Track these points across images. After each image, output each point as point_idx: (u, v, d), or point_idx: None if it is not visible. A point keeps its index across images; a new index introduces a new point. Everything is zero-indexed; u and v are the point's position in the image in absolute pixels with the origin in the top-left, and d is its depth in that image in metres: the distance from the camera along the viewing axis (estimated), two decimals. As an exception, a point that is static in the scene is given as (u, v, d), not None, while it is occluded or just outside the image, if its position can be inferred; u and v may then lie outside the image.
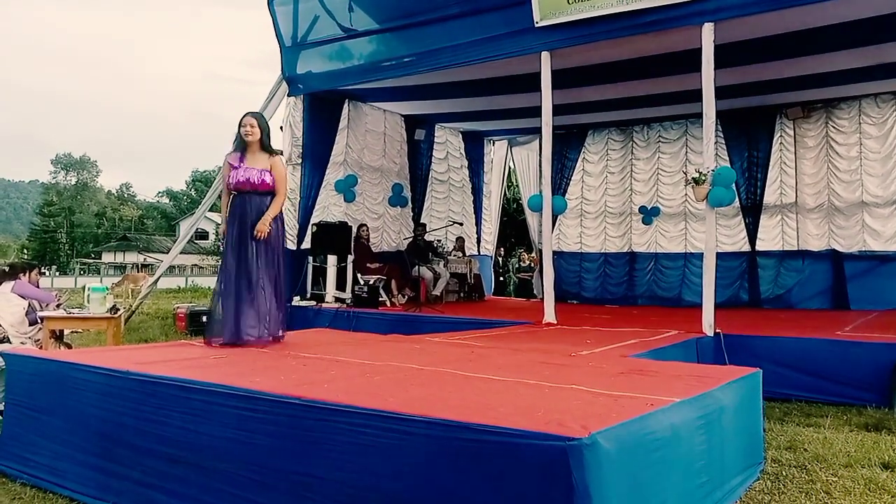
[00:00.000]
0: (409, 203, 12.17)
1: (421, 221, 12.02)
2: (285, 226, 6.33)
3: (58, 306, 6.92)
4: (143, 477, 3.33)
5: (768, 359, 5.85)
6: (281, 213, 5.24)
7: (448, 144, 13.10)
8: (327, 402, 2.82)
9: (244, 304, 4.98)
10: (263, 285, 5.04)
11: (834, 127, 10.69)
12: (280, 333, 5.27)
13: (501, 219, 14.99)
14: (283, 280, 5.31)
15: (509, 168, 14.71)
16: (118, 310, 7.32)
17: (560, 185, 12.75)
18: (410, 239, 11.28)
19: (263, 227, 5.02)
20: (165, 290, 23.48)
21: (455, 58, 8.45)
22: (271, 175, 5.11)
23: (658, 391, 3.21)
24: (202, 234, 54.44)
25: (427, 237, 11.50)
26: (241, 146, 5.16)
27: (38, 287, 6.99)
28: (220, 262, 5.55)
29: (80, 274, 41.58)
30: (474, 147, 13.64)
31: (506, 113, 11.53)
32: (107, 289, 7.33)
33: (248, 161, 5.10)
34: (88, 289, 7.23)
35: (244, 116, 5.22)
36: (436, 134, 12.73)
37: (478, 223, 13.76)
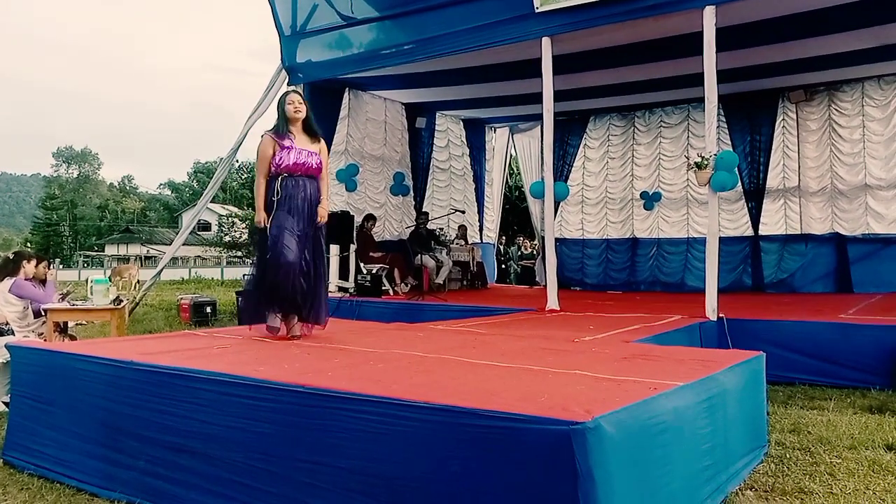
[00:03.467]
0: (411, 192, 12.16)
1: (423, 210, 12.01)
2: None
3: (62, 298, 6.92)
4: (148, 466, 3.35)
5: (772, 342, 5.85)
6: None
7: (449, 132, 13.06)
8: (331, 390, 2.83)
9: (309, 289, 4.71)
10: (320, 272, 4.82)
11: (837, 110, 10.64)
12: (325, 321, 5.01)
13: (503, 206, 14.97)
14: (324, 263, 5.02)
15: (511, 155, 14.67)
16: (122, 301, 7.34)
17: (562, 171, 12.72)
18: (413, 227, 11.27)
19: (325, 211, 4.84)
20: (169, 282, 23.56)
21: (455, 45, 8.41)
22: (320, 158, 4.82)
23: (661, 375, 3.22)
24: (204, 226, 54.44)
25: (429, 225, 11.49)
26: (286, 125, 4.76)
27: (46, 281, 6.98)
28: (257, 250, 5.22)
29: (83, 267, 41.65)
30: (475, 135, 13.60)
31: (507, 100, 11.49)
32: (109, 280, 7.34)
33: (296, 141, 4.74)
34: (91, 281, 7.24)
35: (289, 93, 4.87)
36: (437, 122, 12.69)
37: (480, 211, 13.74)
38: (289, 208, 4.66)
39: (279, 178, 4.67)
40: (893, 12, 7.51)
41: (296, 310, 4.75)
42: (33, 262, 6.63)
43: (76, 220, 70.21)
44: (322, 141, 4.91)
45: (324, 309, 4.86)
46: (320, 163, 4.80)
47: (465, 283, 11.85)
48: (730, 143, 11.15)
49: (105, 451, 3.57)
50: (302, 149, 4.72)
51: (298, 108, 4.74)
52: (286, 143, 4.70)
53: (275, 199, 4.67)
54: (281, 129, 4.74)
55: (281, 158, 4.67)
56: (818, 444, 4.05)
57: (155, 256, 48.80)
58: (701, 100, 6.80)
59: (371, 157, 11.33)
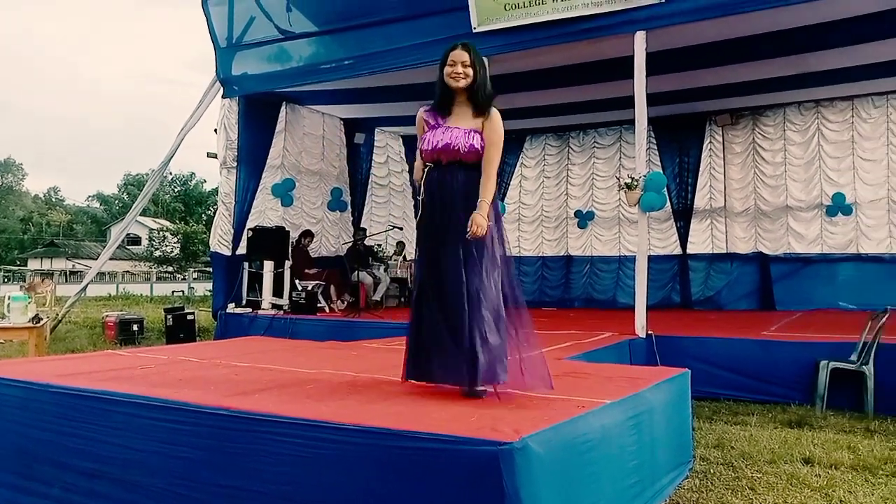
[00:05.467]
0: (349, 207, 12.07)
1: (361, 226, 11.93)
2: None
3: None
4: (63, 494, 3.19)
5: (698, 359, 6.04)
6: (494, 198, 3.39)
7: (388, 148, 13.06)
8: (256, 413, 2.76)
9: (432, 334, 3.39)
10: (469, 303, 3.24)
11: (760, 133, 11.11)
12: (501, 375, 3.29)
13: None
14: (495, 296, 3.32)
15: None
16: (41, 319, 7.02)
17: (499, 189, 12.82)
18: (350, 244, 11.18)
19: (481, 220, 3.23)
20: (95, 298, 22.65)
21: (393, 62, 8.44)
22: (482, 138, 3.39)
23: (590, 393, 3.26)
24: (134, 240, 52.76)
25: (367, 242, 11.42)
26: (444, 95, 3.45)
27: None
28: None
29: (4, 282, 39.75)
30: (415, 151, 13.58)
31: (445, 118, 11.54)
32: (29, 297, 7.02)
33: (451, 119, 3.44)
34: (9, 297, 6.92)
35: (453, 50, 3.44)
36: (376, 138, 12.66)
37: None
38: (430, 211, 3.44)
39: (425, 170, 3.49)
40: (812, 42, 7.93)
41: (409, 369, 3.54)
42: None
43: (-3, 232, 66.98)
44: (490, 114, 3.42)
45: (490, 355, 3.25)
46: (472, 145, 3.35)
47: (402, 299, 11.79)
48: (660, 164, 11.49)
49: (17, 479, 3.39)
50: (451, 126, 3.41)
51: (460, 72, 3.38)
52: (432, 120, 3.48)
53: (419, 198, 3.53)
54: (435, 101, 3.49)
55: (423, 141, 3.48)
56: (741, 459, 4.17)
57: (81, 271, 46.93)
58: (633, 122, 6.99)
59: (308, 172, 11.20)
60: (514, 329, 3.37)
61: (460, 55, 3.41)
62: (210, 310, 10.80)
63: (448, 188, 3.38)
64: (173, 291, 27.06)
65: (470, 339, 3.21)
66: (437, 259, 3.37)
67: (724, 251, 11.31)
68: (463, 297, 3.25)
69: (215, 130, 10.14)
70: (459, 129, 3.39)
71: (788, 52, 8.36)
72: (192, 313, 10.73)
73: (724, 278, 11.22)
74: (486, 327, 3.24)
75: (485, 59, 3.57)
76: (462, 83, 3.40)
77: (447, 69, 3.42)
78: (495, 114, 3.44)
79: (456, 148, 3.36)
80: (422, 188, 3.50)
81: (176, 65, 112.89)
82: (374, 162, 12.66)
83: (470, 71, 3.40)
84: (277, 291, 9.71)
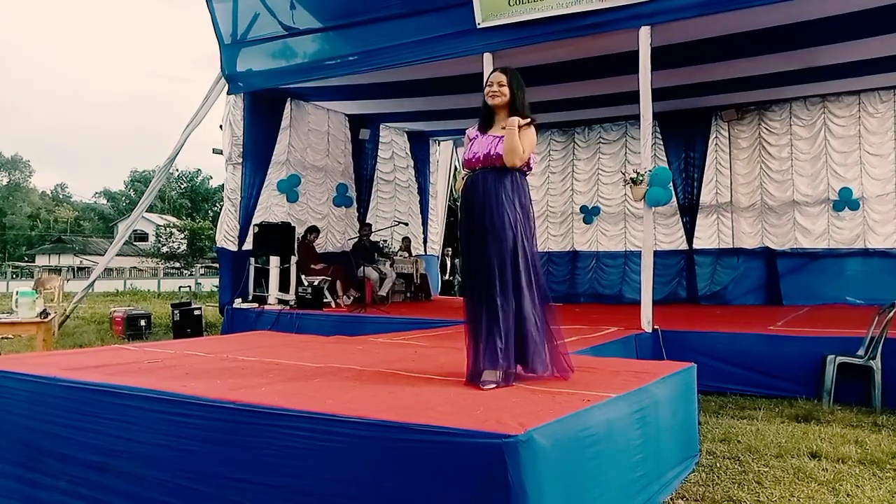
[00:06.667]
0: (355, 203, 12.08)
1: (366, 221, 11.94)
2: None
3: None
4: (70, 487, 3.21)
5: (705, 353, 6.02)
6: (523, 189, 3.60)
7: (393, 144, 13.05)
8: (262, 406, 2.77)
9: (482, 332, 3.48)
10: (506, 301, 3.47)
11: (766, 128, 11.06)
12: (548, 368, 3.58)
13: (448, 219, 15.02)
14: (531, 289, 3.59)
15: (455, 168, 14.75)
16: (49, 314, 7.06)
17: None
18: (356, 239, 11.19)
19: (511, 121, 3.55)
20: (102, 294, 22.77)
21: (398, 58, 8.43)
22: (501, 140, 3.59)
23: (595, 387, 3.26)
24: (141, 236, 52.96)
25: (373, 237, 11.43)
26: (487, 115, 3.71)
27: None
28: None
29: (12, 278, 39.91)
30: (420, 147, 13.62)
31: (450, 113, 11.55)
32: (36, 293, 7.06)
33: (492, 131, 3.68)
34: (17, 293, 6.96)
35: (492, 73, 3.78)
36: (381, 134, 12.66)
37: (424, 223, 13.74)
38: (465, 215, 3.67)
39: (464, 179, 3.73)
40: (818, 37, 7.88)
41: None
42: None
43: (5, 229, 67.27)
44: (524, 119, 3.60)
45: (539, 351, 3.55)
46: (500, 151, 3.53)
47: (408, 295, 11.81)
48: (665, 159, 11.45)
49: (24, 472, 3.41)
50: (487, 136, 3.65)
51: (497, 91, 3.63)
52: (473, 134, 3.75)
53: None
54: (480, 119, 3.76)
55: (465, 153, 3.74)
56: (747, 453, 4.17)
57: (88, 267, 47.13)
58: (638, 117, 6.97)
59: (313, 168, 11.22)
60: (543, 322, 3.62)
61: (497, 77, 3.70)
62: (217, 305, 10.84)
63: (480, 190, 3.57)
64: (180, 287, 27.14)
65: (507, 330, 3.45)
66: (475, 259, 3.56)
67: (731, 246, 11.26)
68: (494, 292, 3.45)
69: (221, 127, 10.16)
70: (491, 136, 3.62)
71: (794, 47, 8.31)
72: (199, 308, 10.79)
73: (731, 273, 11.18)
74: (529, 321, 3.51)
75: (523, 83, 3.74)
76: (498, 101, 3.65)
77: (486, 89, 3.71)
78: (529, 126, 3.61)
79: (488, 153, 3.57)
80: (460, 195, 3.78)
81: (183, 62, 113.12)
82: (380, 158, 12.66)
83: (506, 90, 3.63)
84: (283, 287, 9.74)
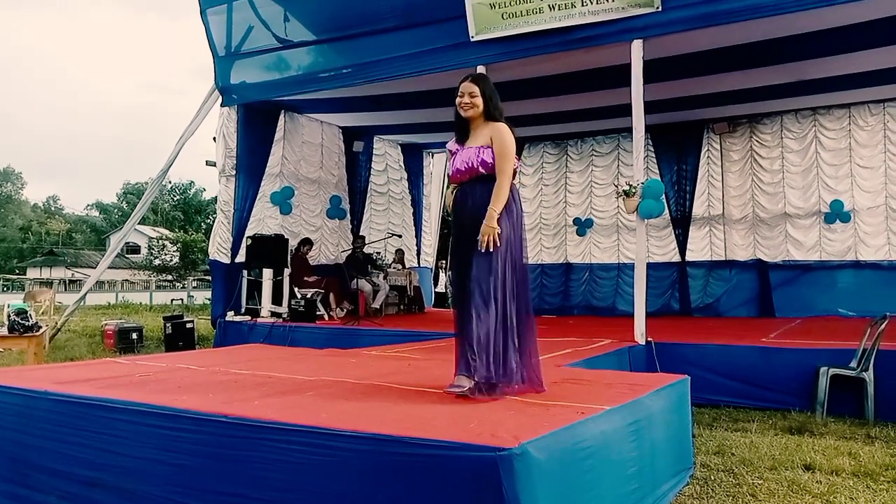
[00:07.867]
0: (348, 215, 12.07)
1: (360, 234, 11.93)
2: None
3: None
4: (60, 502, 3.18)
5: (698, 366, 6.03)
6: (512, 198, 3.59)
7: (387, 156, 13.07)
8: (255, 419, 2.76)
9: (463, 336, 3.54)
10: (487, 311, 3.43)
11: (758, 141, 11.14)
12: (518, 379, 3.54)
13: (441, 231, 15.03)
14: (514, 301, 3.54)
15: (448, 178, 14.76)
16: (40, 328, 7.01)
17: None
18: (349, 251, 11.18)
19: (485, 228, 3.44)
20: (94, 307, 22.62)
21: (392, 70, 8.45)
22: (492, 152, 3.57)
23: (589, 400, 3.26)
24: (133, 248, 52.77)
25: (366, 249, 11.42)
26: (462, 126, 3.73)
27: None
28: None
29: (3, 291, 39.70)
30: (413, 159, 13.65)
31: (444, 126, 11.46)
32: (28, 306, 7.02)
33: (469, 142, 3.68)
34: (8, 306, 6.92)
35: (462, 82, 3.71)
36: (374, 146, 12.68)
37: (417, 235, 13.75)
38: (455, 227, 3.73)
39: (453, 193, 3.79)
40: (809, 50, 7.95)
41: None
42: None
43: (-5, 241, 66.90)
44: (497, 124, 3.65)
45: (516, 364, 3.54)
46: (483, 159, 3.56)
47: (402, 307, 11.79)
48: (658, 171, 11.50)
49: (13, 487, 3.38)
50: (467, 148, 3.67)
51: (469, 102, 3.64)
52: (454, 148, 3.78)
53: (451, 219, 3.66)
54: (455, 131, 3.79)
55: (450, 168, 3.78)
56: (741, 466, 4.16)
57: (80, 280, 46.89)
58: (630, 130, 7.01)
59: (307, 180, 11.22)
60: (521, 334, 3.59)
61: (468, 87, 3.67)
62: (209, 318, 10.79)
63: (469, 203, 3.61)
64: (172, 300, 27.01)
65: (487, 341, 3.42)
66: (464, 270, 3.58)
67: (723, 258, 11.30)
68: (473, 301, 3.44)
69: (214, 139, 10.16)
70: (472, 148, 3.63)
71: (785, 60, 8.38)
72: (192, 321, 10.72)
73: (724, 285, 11.21)
74: (510, 332, 3.50)
75: (493, 86, 3.76)
76: (471, 112, 3.66)
77: (457, 100, 3.68)
78: (501, 126, 3.63)
79: (470, 165, 3.60)
80: (451, 209, 3.80)
81: (177, 73, 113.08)
82: (373, 170, 12.67)
83: (479, 101, 3.64)
84: (276, 299, 9.71)
